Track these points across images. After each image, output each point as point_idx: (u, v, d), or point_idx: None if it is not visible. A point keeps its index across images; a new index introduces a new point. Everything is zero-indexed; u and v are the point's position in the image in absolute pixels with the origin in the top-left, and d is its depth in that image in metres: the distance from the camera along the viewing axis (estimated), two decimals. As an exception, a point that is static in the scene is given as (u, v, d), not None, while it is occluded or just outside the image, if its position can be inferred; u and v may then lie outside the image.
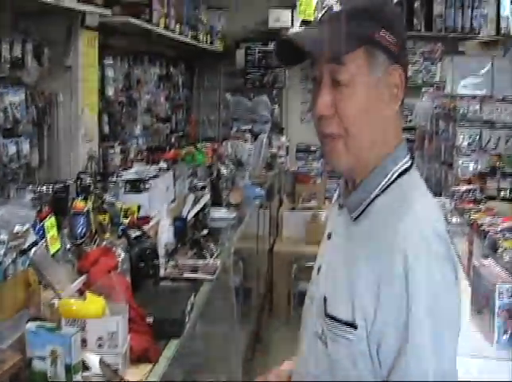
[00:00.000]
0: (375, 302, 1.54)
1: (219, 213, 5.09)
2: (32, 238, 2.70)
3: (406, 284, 1.50)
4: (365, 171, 1.67)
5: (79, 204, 3.28)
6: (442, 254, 1.54)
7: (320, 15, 1.68)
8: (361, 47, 1.60)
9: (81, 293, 2.63)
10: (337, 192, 1.85)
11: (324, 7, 1.66)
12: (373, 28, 1.60)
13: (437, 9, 9.46)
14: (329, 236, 1.80)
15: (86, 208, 3.28)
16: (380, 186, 1.65)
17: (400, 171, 1.67)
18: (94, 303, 2.48)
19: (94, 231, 3.37)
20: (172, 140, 8.21)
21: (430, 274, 1.51)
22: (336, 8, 1.63)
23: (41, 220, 2.92)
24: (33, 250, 2.66)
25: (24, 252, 2.63)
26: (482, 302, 3.07)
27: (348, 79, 1.61)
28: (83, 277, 2.87)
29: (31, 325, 2.29)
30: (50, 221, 2.96)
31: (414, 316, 1.49)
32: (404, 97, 1.69)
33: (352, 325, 1.58)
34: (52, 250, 2.93)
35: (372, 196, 1.66)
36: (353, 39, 1.58)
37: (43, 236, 2.87)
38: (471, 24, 9.40)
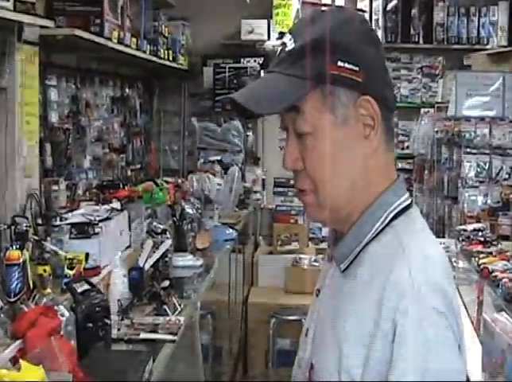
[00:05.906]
0: (363, 366, 1.54)
1: (183, 261, 5.08)
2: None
3: (393, 342, 1.50)
4: (351, 217, 1.68)
5: (13, 254, 3.24)
6: (438, 309, 1.53)
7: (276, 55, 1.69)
8: (315, 88, 1.60)
9: (15, 361, 2.59)
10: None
11: (283, 40, 1.68)
12: (325, 63, 1.59)
13: (438, 16, 9.48)
14: (317, 293, 1.81)
15: (22, 259, 3.24)
16: (372, 232, 1.66)
17: (396, 212, 1.67)
18: (30, 373, 2.45)
19: (31, 286, 3.33)
20: (129, 174, 8.19)
21: (421, 332, 1.50)
22: (290, 45, 1.63)
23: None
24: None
25: None
26: (495, 365, 3.04)
27: (309, 128, 1.62)
28: (18, 342, 2.83)
29: (-46, 402, 2.25)
30: (-22, 276, 2.93)
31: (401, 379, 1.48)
32: (390, 125, 1.69)
33: None
34: (-19, 310, 2.89)
35: (363, 243, 1.66)
36: (303, 82, 1.59)
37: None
38: (478, 33, 9.45)
